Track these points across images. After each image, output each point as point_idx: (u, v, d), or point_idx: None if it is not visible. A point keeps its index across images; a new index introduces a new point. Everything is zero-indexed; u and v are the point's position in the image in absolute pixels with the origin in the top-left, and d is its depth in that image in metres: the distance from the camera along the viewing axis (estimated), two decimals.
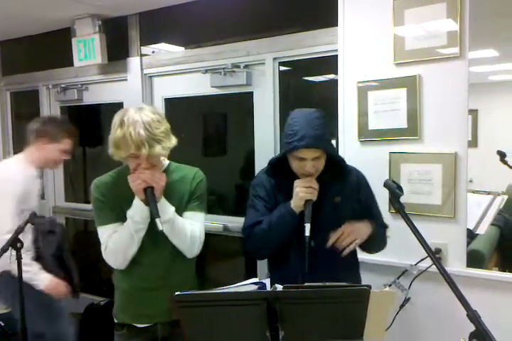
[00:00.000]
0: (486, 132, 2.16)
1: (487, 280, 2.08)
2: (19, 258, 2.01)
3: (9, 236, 2.25)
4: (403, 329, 2.25)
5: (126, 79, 3.36)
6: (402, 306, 2.18)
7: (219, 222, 3.00)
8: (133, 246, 1.76)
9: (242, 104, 3.02)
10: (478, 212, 2.22)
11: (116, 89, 3.49)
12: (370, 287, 1.27)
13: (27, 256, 2.33)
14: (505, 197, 2.19)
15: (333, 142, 2.12)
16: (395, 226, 2.02)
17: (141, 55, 3.29)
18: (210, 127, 3.39)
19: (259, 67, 2.81)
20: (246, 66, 2.84)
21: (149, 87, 3.31)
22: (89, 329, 3.20)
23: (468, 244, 2.14)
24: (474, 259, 2.14)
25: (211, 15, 2.96)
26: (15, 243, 1.98)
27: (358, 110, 2.34)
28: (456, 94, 2.09)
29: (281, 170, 1.86)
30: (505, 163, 2.09)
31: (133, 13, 3.26)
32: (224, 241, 3.20)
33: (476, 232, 2.20)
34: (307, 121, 1.73)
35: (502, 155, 2.09)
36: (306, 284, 1.43)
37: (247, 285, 1.40)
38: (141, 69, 3.27)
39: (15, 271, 2.27)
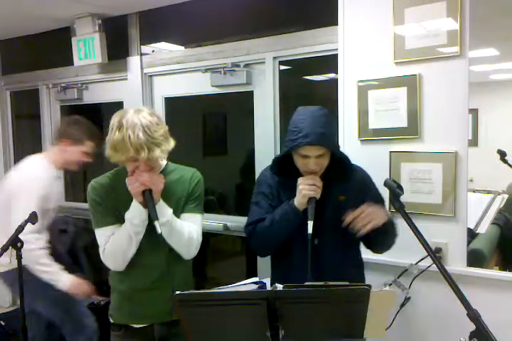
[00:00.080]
0: (487, 131, 2.16)
1: (487, 279, 2.08)
2: (19, 257, 2.01)
3: (34, 235, 2.30)
4: (403, 329, 2.25)
5: (126, 79, 3.36)
6: (402, 305, 2.18)
7: (219, 221, 3.00)
8: (131, 248, 1.76)
9: (242, 104, 3.02)
10: (479, 211, 2.22)
11: (116, 88, 3.49)
12: (370, 286, 1.27)
13: (46, 257, 2.35)
14: (506, 196, 2.19)
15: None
16: None
17: (141, 54, 3.28)
18: (210, 126, 3.39)
19: (259, 66, 2.81)
20: (246, 65, 2.83)
21: (149, 86, 3.30)
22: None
23: (468, 243, 2.14)
24: (475, 258, 2.14)
25: (211, 14, 2.96)
26: (15, 242, 1.98)
27: (358, 109, 2.34)
28: (456, 93, 2.09)
29: (286, 168, 1.85)
30: (506, 162, 2.09)
31: (133, 12, 3.26)
32: (224, 241, 3.21)
33: (477, 231, 2.20)
34: (312, 118, 1.73)
35: (502, 155, 2.09)
36: (306, 283, 1.42)
37: (247, 285, 1.40)
38: (141, 69, 3.27)
39: (31, 268, 2.31)
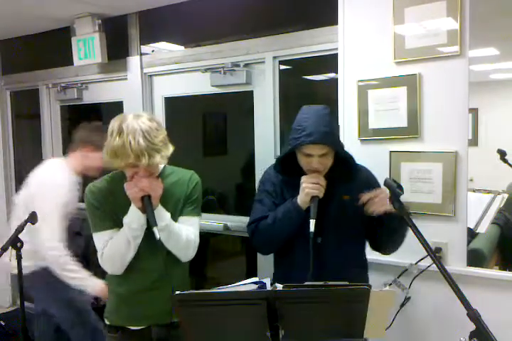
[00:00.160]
0: (487, 131, 2.16)
1: (487, 279, 2.08)
2: (19, 257, 2.01)
3: (61, 244, 2.35)
4: (403, 329, 2.25)
5: (126, 78, 3.36)
6: (402, 305, 2.18)
7: (219, 221, 3.00)
8: (130, 252, 1.75)
9: (242, 103, 3.02)
10: (479, 211, 2.22)
11: (116, 88, 3.49)
12: (370, 286, 1.27)
13: (73, 263, 2.37)
14: (506, 195, 2.19)
15: None
16: None
17: (141, 54, 3.28)
18: (209, 126, 3.39)
19: (259, 65, 2.81)
20: (246, 65, 2.83)
21: (149, 86, 3.30)
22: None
23: (468, 242, 2.14)
24: (475, 258, 2.14)
25: (211, 14, 2.96)
26: (15, 242, 1.99)
27: (358, 109, 2.34)
28: (456, 93, 2.09)
29: (290, 166, 1.85)
30: (506, 161, 2.09)
31: (133, 12, 3.26)
32: (224, 241, 3.21)
33: (477, 231, 2.20)
34: (316, 117, 1.73)
35: (502, 154, 2.09)
36: (306, 283, 1.42)
37: (247, 285, 1.40)
38: (141, 68, 3.27)
39: (58, 274, 2.35)
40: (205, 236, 3.03)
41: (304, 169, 1.80)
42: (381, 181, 1.69)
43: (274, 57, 2.72)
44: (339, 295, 1.30)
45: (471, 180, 2.13)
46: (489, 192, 2.23)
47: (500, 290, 2.06)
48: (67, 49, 3.42)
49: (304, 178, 1.76)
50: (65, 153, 3.88)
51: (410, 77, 2.18)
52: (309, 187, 1.72)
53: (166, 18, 3.16)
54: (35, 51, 3.94)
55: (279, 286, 1.36)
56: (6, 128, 4.24)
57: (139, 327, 1.85)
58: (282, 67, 2.76)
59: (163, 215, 1.72)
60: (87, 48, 3.31)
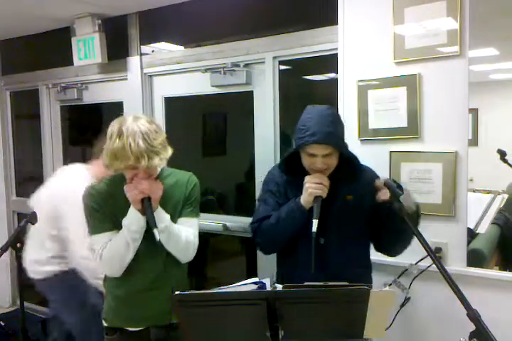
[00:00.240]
0: (487, 131, 2.16)
1: (487, 279, 2.08)
2: (19, 258, 2.01)
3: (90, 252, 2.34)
4: (403, 329, 2.25)
5: (126, 79, 3.36)
6: (402, 305, 2.18)
7: (219, 221, 3.00)
8: (129, 254, 1.75)
9: (242, 103, 3.02)
10: (479, 211, 2.22)
11: (116, 88, 3.49)
12: (370, 287, 1.27)
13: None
14: (506, 195, 2.19)
15: None
16: None
17: (141, 54, 3.28)
18: (209, 126, 3.39)
19: (259, 66, 2.81)
20: (246, 65, 2.83)
21: (149, 86, 3.30)
22: None
23: (468, 243, 2.14)
24: (475, 258, 2.13)
25: (211, 14, 2.96)
26: (15, 243, 1.98)
27: (358, 109, 2.33)
28: (456, 93, 2.09)
29: (294, 166, 1.85)
30: (506, 161, 2.09)
31: (133, 12, 3.26)
32: (224, 241, 3.20)
33: (477, 231, 2.20)
34: (319, 117, 1.73)
35: (502, 154, 2.09)
36: (305, 283, 1.42)
37: (247, 285, 1.40)
38: (141, 69, 3.27)
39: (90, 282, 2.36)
40: (205, 237, 3.03)
41: (307, 169, 1.80)
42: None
43: (274, 57, 2.72)
44: (339, 296, 1.30)
45: (471, 180, 2.12)
46: (489, 192, 2.23)
47: (500, 290, 2.06)
48: (67, 49, 3.42)
49: (307, 178, 1.75)
50: (65, 155, 3.92)
51: (410, 77, 2.18)
52: (312, 187, 1.72)
53: (166, 18, 3.16)
54: (35, 51, 3.94)
55: (279, 286, 1.35)
56: (6, 128, 4.24)
57: (137, 329, 1.85)
58: (282, 67, 2.76)
59: (162, 217, 1.72)
60: (87, 48, 3.31)
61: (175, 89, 3.22)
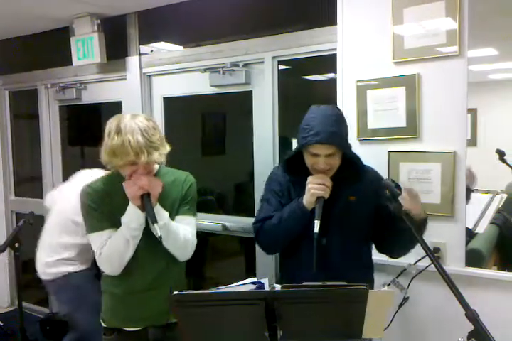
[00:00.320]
0: (485, 131, 2.16)
1: (486, 279, 2.08)
2: (17, 257, 2.01)
3: None
4: (402, 329, 2.25)
5: (125, 78, 3.36)
6: (400, 305, 2.18)
7: (218, 221, 2.99)
8: (128, 251, 1.75)
9: (241, 103, 3.02)
10: (478, 211, 2.22)
11: (115, 88, 3.48)
12: (368, 287, 1.27)
13: None
14: (504, 195, 2.19)
15: None
16: None
17: (140, 54, 3.28)
18: (208, 126, 3.39)
19: (258, 65, 2.81)
20: (245, 65, 2.83)
21: (148, 86, 3.30)
22: None
23: (467, 243, 2.14)
24: (473, 258, 2.13)
25: (210, 14, 2.96)
26: (13, 243, 1.99)
27: (357, 109, 2.33)
28: (455, 93, 2.09)
29: (297, 166, 1.84)
30: (504, 161, 2.09)
31: (131, 12, 3.25)
32: (223, 241, 3.20)
33: (475, 231, 2.20)
34: (323, 117, 1.73)
35: (501, 154, 2.09)
36: (304, 283, 1.42)
37: (245, 285, 1.40)
38: (140, 68, 3.26)
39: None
40: (204, 236, 3.03)
41: (310, 169, 1.80)
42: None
43: (273, 57, 2.72)
44: (337, 296, 1.29)
45: None
46: (488, 192, 2.23)
47: (499, 290, 2.06)
48: (66, 49, 3.41)
49: (309, 179, 1.75)
50: (63, 155, 3.91)
51: (409, 77, 2.18)
52: (315, 188, 1.72)
53: (165, 18, 3.15)
54: (34, 51, 3.93)
55: (278, 286, 1.35)
56: (4, 128, 4.24)
57: (135, 329, 1.85)
58: (281, 67, 2.76)
59: (161, 214, 1.72)
60: (86, 48, 3.31)
61: (174, 89, 3.21)
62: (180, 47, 3.18)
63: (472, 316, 1.23)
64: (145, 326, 1.85)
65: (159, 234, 1.63)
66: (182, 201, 1.86)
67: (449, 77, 2.10)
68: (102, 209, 1.78)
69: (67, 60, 3.46)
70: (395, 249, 1.91)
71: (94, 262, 2.46)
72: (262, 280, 1.41)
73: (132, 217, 1.71)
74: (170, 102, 3.27)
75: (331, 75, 2.63)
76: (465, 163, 2.09)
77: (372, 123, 2.31)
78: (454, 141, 2.11)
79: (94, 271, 2.55)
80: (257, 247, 2.82)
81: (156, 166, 1.87)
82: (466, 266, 2.13)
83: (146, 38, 3.27)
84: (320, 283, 1.35)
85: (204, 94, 3.07)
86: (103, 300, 1.92)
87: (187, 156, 3.21)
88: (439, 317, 2.19)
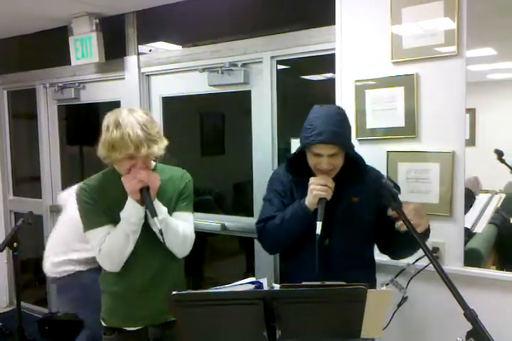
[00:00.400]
0: (484, 131, 2.16)
1: (484, 279, 2.08)
2: (15, 257, 2.00)
3: None
4: (401, 328, 2.25)
5: (123, 78, 3.35)
6: (399, 305, 2.18)
7: (217, 221, 2.99)
8: (128, 247, 1.75)
9: (239, 103, 3.02)
10: (476, 211, 2.22)
11: (113, 87, 3.48)
12: (367, 286, 1.27)
13: None
14: (503, 195, 2.19)
15: None
16: None
17: (139, 54, 3.28)
18: (207, 126, 3.38)
19: (256, 65, 2.80)
20: (243, 65, 2.83)
21: (147, 86, 3.30)
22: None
23: (465, 242, 2.14)
24: (472, 258, 2.14)
25: (208, 13, 2.96)
26: (12, 242, 1.98)
27: (355, 109, 2.33)
28: (453, 93, 2.09)
29: (300, 166, 1.84)
30: (503, 161, 2.09)
31: (130, 12, 3.25)
32: (222, 241, 3.20)
33: (474, 231, 2.20)
34: (326, 117, 1.73)
35: (499, 154, 2.09)
36: (303, 283, 1.42)
37: (244, 285, 1.40)
38: (139, 68, 3.26)
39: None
40: (203, 236, 3.03)
41: (313, 169, 1.79)
42: None
43: (272, 57, 2.72)
44: (336, 295, 1.29)
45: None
46: (486, 191, 2.23)
47: (497, 290, 2.06)
48: (64, 48, 3.41)
49: (312, 179, 1.74)
50: (62, 155, 3.91)
51: (408, 77, 2.18)
52: (317, 189, 1.71)
53: (164, 17, 3.15)
54: (32, 51, 3.93)
55: (276, 286, 1.35)
56: (3, 127, 4.23)
57: (135, 328, 1.85)
58: (280, 66, 2.76)
59: (160, 209, 1.73)
60: (85, 48, 3.30)
61: (172, 88, 3.21)
62: (179, 47, 3.18)
63: (471, 316, 1.23)
64: (145, 325, 1.85)
65: (159, 227, 1.64)
66: (179, 198, 1.86)
67: (448, 77, 2.10)
68: (100, 205, 1.78)
69: (65, 60, 3.46)
70: (396, 251, 1.90)
71: None
72: (261, 280, 1.41)
73: (132, 212, 1.71)
74: (168, 102, 3.27)
75: (329, 75, 2.63)
76: (464, 163, 2.09)
77: (370, 123, 2.31)
78: (453, 140, 2.11)
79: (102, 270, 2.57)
80: (256, 247, 2.83)
81: (153, 164, 1.88)
82: (464, 265, 2.13)
83: (145, 37, 3.27)
84: (319, 283, 1.36)
85: (202, 94, 3.07)
86: (102, 300, 1.92)
87: (186, 156, 3.20)
88: (437, 317, 2.19)
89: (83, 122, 3.91)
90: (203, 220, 2.95)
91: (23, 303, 2.15)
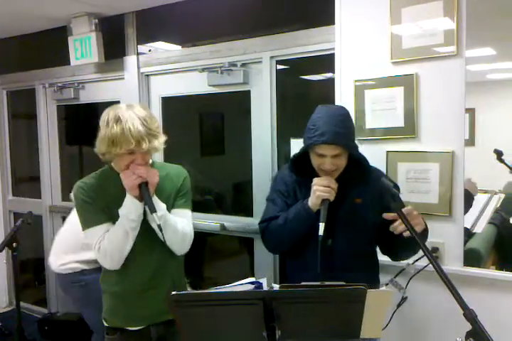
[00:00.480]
0: (483, 131, 2.16)
1: (484, 279, 2.08)
2: (14, 257, 2.00)
3: None
4: (400, 328, 2.25)
5: (123, 78, 3.35)
6: (399, 305, 2.18)
7: (216, 221, 2.99)
8: (128, 244, 1.74)
9: (239, 103, 3.02)
10: (476, 211, 2.22)
11: (112, 87, 3.48)
12: (366, 286, 1.27)
13: None
14: (502, 195, 2.19)
15: None
16: None
17: (138, 54, 3.27)
18: (207, 126, 3.38)
19: (256, 65, 2.80)
20: (243, 65, 2.83)
21: (146, 86, 3.29)
22: (87, 329, 3.20)
23: (465, 242, 2.14)
24: (471, 258, 2.14)
25: (208, 13, 2.95)
26: (11, 243, 1.98)
27: (355, 109, 2.33)
28: (453, 93, 2.09)
29: (304, 167, 1.84)
30: (502, 161, 2.09)
31: (129, 12, 3.25)
32: (221, 241, 3.20)
33: (474, 231, 2.20)
34: (330, 117, 1.73)
35: (499, 154, 2.09)
36: (302, 283, 1.42)
37: (244, 285, 1.40)
38: (138, 68, 3.26)
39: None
40: (202, 236, 3.03)
41: (316, 169, 1.79)
42: None
43: (271, 57, 2.72)
44: (336, 295, 1.29)
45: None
46: (486, 192, 2.23)
47: (497, 290, 2.06)
48: (63, 48, 3.40)
49: (315, 180, 1.74)
50: (61, 155, 3.91)
51: (407, 77, 2.18)
52: (320, 190, 1.71)
53: (163, 17, 3.15)
54: (32, 51, 3.92)
55: (276, 286, 1.35)
56: (2, 127, 4.23)
57: (137, 328, 1.85)
58: (279, 66, 2.76)
59: (159, 206, 1.72)
60: (84, 48, 3.30)
61: (172, 88, 3.21)
62: (179, 47, 3.18)
63: (470, 316, 1.23)
64: (147, 324, 1.85)
65: (158, 223, 1.63)
66: (177, 194, 1.86)
67: (447, 76, 2.10)
68: (98, 203, 1.77)
69: (65, 60, 3.45)
70: (397, 252, 1.90)
71: None
72: (261, 280, 1.40)
73: (131, 208, 1.71)
74: (168, 102, 3.26)
75: (329, 75, 2.63)
76: (463, 163, 2.09)
77: (370, 123, 2.31)
78: (452, 140, 2.11)
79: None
80: (256, 247, 2.83)
81: (150, 161, 1.87)
82: (464, 265, 2.13)
83: (144, 37, 3.27)
84: (318, 283, 1.35)
85: (202, 94, 3.07)
86: (103, 300, 1.92)
87: (186, 156, 3.20)
88: (437, 317, 2.19)
89: (82, 122, 3.91)
90: (202, 220, 2.95)
91: (22, 303, 2.15)
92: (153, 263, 1.81)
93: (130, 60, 3.29)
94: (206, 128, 3.39)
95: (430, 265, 1.41)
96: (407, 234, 1.59)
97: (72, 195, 2.69)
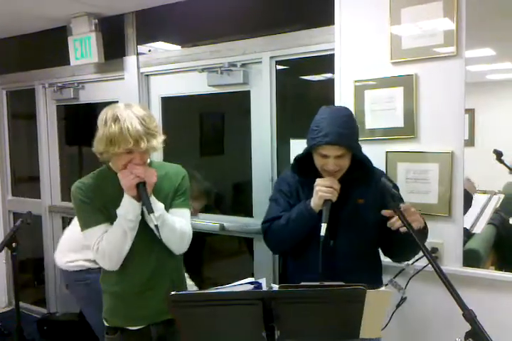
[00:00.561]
0: (483, 131, 2.16)
1: (483, 279, 2.08)
2: (14, 257, 2.00)
3: None
4: (400, 329, 2.25)
5: (122, 78, 3.35)
6: (398, 305, 2.18)
7: (215, 221, 2.99)
8: (126, 244, 1.74)
9: (239, 103, 3.02)
10: (475, 211, 2.22)
11: (112, 87, 3.48)
12: (366, 287, 1.27)
13: None
14: (502, 196, 2.19)
15: None
16: None
17: (138, 54, 3.27)
18: (207, 126, 3.38)
19: (256, 65, 2.80)
20: (243, 65, 2.83)
21: (146, 86, 3.29)
22: (87, 329, 3.20)
23: (464, 243, 2.14)
24: (471, 258, 2.14)
25: (208, 13, 2.96)
26: (10, 243, 1.98)
27: (354, 109, 2.33)
28: (452, 93, 2.09)
29: (307, 167, 1.84)
30: (502, 162, 2.09)
31: (129, 12, 3.25)
32: (220, 241, 3.20)
33: (473, 231, 2.20)
34: (333, 118, 1.73)
35: (498, 155, 2.09)
36: (302, 283, 1.42)
37: (243, 285, 1.40)
38: (138, 68, 3.26)
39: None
40: (202, 236, 3.02)
41: (320, 170, 1.79)
42: None
43: (271, 57, 2.72)
44: (335, 296, 1.29)
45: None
46: (485, 192, 2.23)
47: (496, 290, 2.06)
48: (63, 49, 3.41)
49: (318, 181, 1.74)
50: (61, 155, 3.91)
51: (407, 78, 2.18)
52: (322, 191, 1.71)
53: (163, 17, 3.15)
54: (32, 51, 3.92)
55: (275, 286, 1.35)
56: (1, 127, 4.23)
57: (137, 327, 1.85)
58: (279, 67, 2.76)
59: (157, 206, 1.72)
60: (84, 48, 3.30)
61: (172, 88, 3.21)
62: (178, 47, 3.18)
63: (469, 316, 1.23)
64: (147, 324, 1.85)
65: (156, 223, 1.63)
66: (175, 193, 1.85)
67: (447, 77, 2.10)
68: (96, 203, 1.77)
69: (64, 60, 3.46)
70: (397, 252, 1.90)
71: None
72: (260, 280, 1.40)
73: (129, 208, 1.70)
74: (168, 102, 3.26)
75: (328, 75, 2.63)
76: (462, 163, 2.10)
77: (369, 124, 2.31)
78: (452, 141, 2.11)
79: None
80: (255, 247, 2.83)
81: (148, 161, 1.87)
82: (463, 266, 2.13)
83: (144, 37, 3.27)
84: (317, 283, 1.35)
85: (202, 94, 3.07)
86: (103, 299, 1.92)
87: (185, 156, 3.21)
88: (436, 317, 2.19)
89: (82, 122, 3.91)
90: (201, 220, 2.95)
91: (21, 303, 2.15)
92: (151, 263, 1.81)
93: (130, 60, 3.29)
94: (206, 129, 3.39)
95: (429, 265, 1.41)
96: (403, 229, 1.59)
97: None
